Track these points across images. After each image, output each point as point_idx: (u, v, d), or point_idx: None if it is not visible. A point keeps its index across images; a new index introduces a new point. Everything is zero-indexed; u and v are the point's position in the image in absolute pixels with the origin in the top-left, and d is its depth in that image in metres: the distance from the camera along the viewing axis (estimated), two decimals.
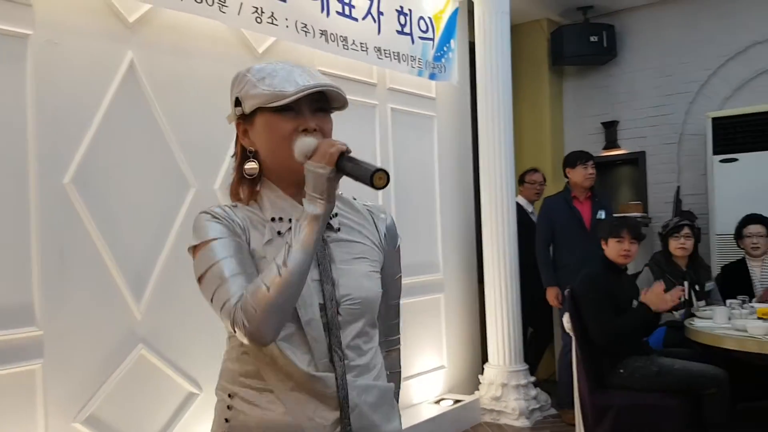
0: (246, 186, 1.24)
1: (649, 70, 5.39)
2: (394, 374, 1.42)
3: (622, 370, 3.23)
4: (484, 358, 4.56)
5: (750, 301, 3.68)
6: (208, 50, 2.98)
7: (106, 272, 2.56)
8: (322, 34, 3.33)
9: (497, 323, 4.32)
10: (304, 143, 1.13)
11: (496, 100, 4.28)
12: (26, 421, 2.33)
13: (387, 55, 3.75)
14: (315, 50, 3.41)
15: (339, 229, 1.24)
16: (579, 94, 5.75)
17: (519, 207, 4.60)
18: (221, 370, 1.26)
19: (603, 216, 4.33)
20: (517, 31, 5.44)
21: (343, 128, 3.77)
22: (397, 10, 3.83)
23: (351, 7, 3.50)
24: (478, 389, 4.43)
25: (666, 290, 3.31)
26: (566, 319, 3.39)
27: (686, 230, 3.92)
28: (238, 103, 1.21)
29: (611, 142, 5.54)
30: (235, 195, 1.25)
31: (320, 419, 1.15)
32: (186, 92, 2.88)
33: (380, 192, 3.89)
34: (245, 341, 1.09)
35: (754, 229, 4.08)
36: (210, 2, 2.77)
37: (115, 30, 2.65)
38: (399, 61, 3.83)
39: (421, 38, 4.01)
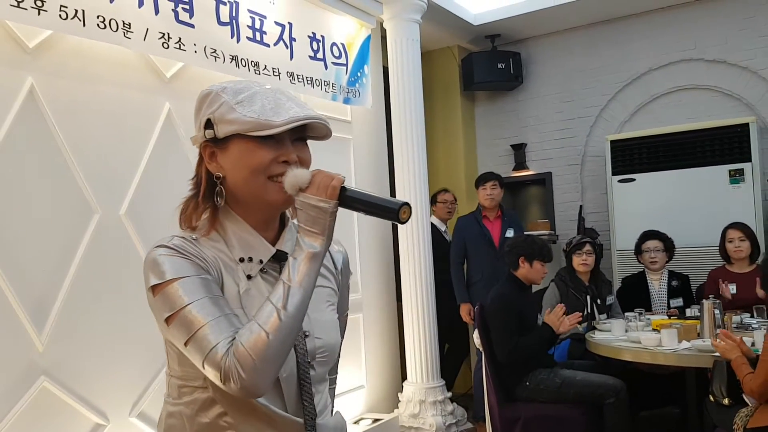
0: (209, 214, 1.12)
1: (554, 95, 5.69)
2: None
3: (528, 383, 3.37)
4: (404, 376, 4.64)
5: (645, 314, 3.92)
6: (114, 75, 2.94)
7: (5, 302, 2.47)
8: (232, 59, 3.35)
9: (415, 340, 4.41)
10: (296, 175, 1.05)
11: (409, 123, 4.41)
12: None
13: (300, 80, 3.81)
14: (226, 75, 3.43)
15: None
16: (490, 118, 5.98)
17: (432, 227, 4.74)
18: (166, 425, 1.13)
19: (511, 234, 4.53)
20: (429, 57, 5.64)
21: None
22: (309, 36, 3.91)
23: (262, 33, 3.55)
24: (397, 407, 4.50)
25: (569, 305, 3.50)
26: (476, 335, 3.51)
27: (588, 247, 4.14)
28: (209, 125, 1.09)
29: (520, 164, 5.78)
30: (187, 223, 1.13)
31: None
32: (90, 118, 2.83)
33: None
34: (236, 393, 0.98)
35: (652, 244, 4.36)
36: (114, 28, 2.75)
37: (14, 55, 2.58)
38: (312, 86, 3.90)
39: (335, 64, 4.09)
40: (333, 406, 1.32)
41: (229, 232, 1.11)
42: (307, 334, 1.11)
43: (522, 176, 5.78)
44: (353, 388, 4.37)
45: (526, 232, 4.85)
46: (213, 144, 1.10)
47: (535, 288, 3.87)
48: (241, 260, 1.09)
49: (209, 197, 1.13)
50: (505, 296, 3.48)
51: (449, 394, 4.51)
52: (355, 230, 4.48)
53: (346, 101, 4.25)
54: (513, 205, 5.88)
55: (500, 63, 5.55)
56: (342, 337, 1.30)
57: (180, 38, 3.03)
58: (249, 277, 1.08)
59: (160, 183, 3.09)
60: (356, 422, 4.26)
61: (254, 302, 1.06)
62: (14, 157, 2.54)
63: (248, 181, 1.08)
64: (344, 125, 4.44)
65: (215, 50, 3.24)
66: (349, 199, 1.04)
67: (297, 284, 1.00)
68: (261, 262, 1.11)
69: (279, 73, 3.67)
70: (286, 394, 1.09)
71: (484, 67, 5.52)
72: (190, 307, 1.00)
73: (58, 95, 2.71)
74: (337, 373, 1.40)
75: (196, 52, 3.13)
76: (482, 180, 4.62)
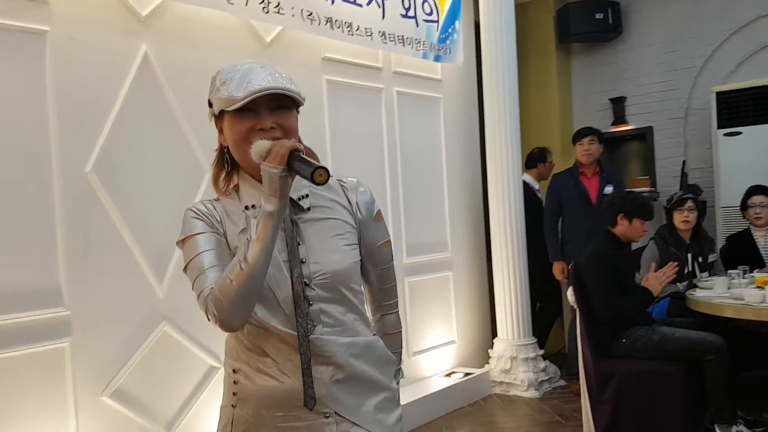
0: (225, 176, 1.35)
1: (655, 46, 5.42)
2: (391, 335, 1.51)
3: (624, 340, 3.33)
4: (494, 333, 4.69)
5: (752, 271, 3.76)
6: (218, 41, 3.09)
7: (129, 255, 2.71)
8: (327, 21, 3.43)
9: (505, 298, 4.44)
10: (258, 146, 1.21)
11: (501, 79, 4.35)
12: (57, 396, 2.50)
13: (392, 39, 3.84)
14: (321, 37, 3.52)
15: (309, 209, 1.31)
16: (586, 71, 5.78)
17: (525, 185, 4.70)
18: (226, 348, 1.37)
19: (610, 191, 4.41)
20: (522, 9, 5.48)
21: (350, 113, 3.90)
22: None
23: None
24: (488, 362, 4.57)
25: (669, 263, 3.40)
26: (570, 293, 3.49)
27: (689, 203, 3.98)
28: (210, 104, 1.31)
29: (619, 118, 5.58)
30: (215, 184, 1.36)
31: (320, 375, 1.26)
32: (198, 81, 2.98)
33: (388, 173, 4.03)
34: (219, 328, 1.21)
35: (758, 199, 4.14)
36: None
37: (129, 24, 2.77)
38: (404, 45, 3.92)
39: (426, 21, 4.09)
40: (395, 333, 1.52)
41: (241, 189, 1.32)
42: (303, 260, 1.27)
43: (621, 131, 5.58)
44: (444, 342, 4.47)
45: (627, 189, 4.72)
46: (217, 119, 1.31)
47: (633, 246, 3.78)
48: (246, 208, 1.29)
49: (224, 164, 1.35)
50: (601, 254, 3.42)
51: (541, 352, 4.52)
52: (444, 189, 4.52)
53: (437, 59, 4.25)
54: (611, 161, 5.69)
55: (598, 13, 5.32)
56: (386, 264, 1.45)
57: (279, 2, 3.13)
58: (254, 218, 1.23)
59: None
60: (448, 375, 4.37)
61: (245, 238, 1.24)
62: (132, 119, 2.75)
63: (236, 148, 1.28)
64: (434, 84, 4.44)
65: (311, 13, 3.32)
66: (293, 165, 1.18)
67: (255, 239, 1.17)
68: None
69: (371, 33, 3.72)
70: (287, 313, 1.25)
71: (581, 18, 5.32)
72: (195, 259, 1.25)
73: (169, 61, 2.88)
74: (392, 299, 1.53)
75: (293, 15, 3.22)
76: (580, 135, 4.50)
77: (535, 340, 4.51)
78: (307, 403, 1.26)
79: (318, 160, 1.22)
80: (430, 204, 4.42)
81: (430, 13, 4.13)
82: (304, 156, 1.19)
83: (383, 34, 3.78)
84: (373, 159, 3.99)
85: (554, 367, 4.58)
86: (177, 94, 2.90)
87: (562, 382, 4.54)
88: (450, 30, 4.29)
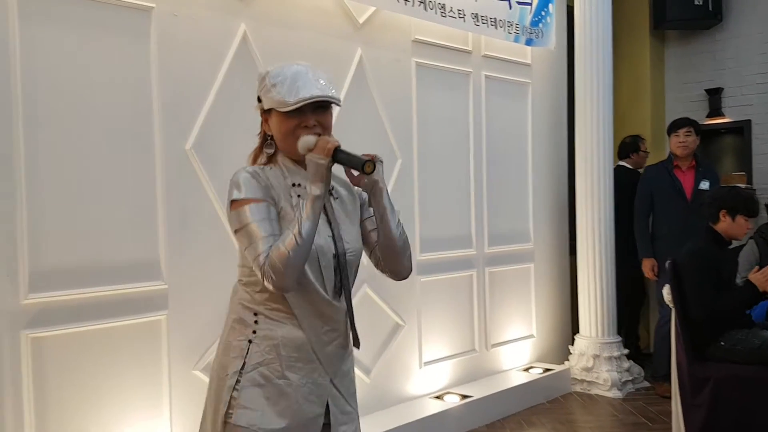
0: (264, 155, 1.57)
1: (757, 35, 5.10)
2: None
3: (723, 342, 3.16)
4: (574, 329, 4.54)
5: None
6: (312, 22, 3.08)
7: (225, 231, 2.74)
8: (420, 2, 3.36)
9: (590, 293, 4.29)
10: (305, 141, 1.45)
11: (595, 65, 4.18)
12: (153, 366, 2.56)
13: (484, 21, 3.74)
14: (412, 19, 3.46)
15: (337, 198, 1.60)
16: (681, 59, 5.51)
17: (629, 171, 4.53)
18: (239, 296, 1.56)
19: (707, 187, 4.19)
20: None
21: (437, 97, 3.83)
22: None
23: None
24: (567, 359, 4.43)
25: None
26: (666, 291, 3.33)
27: None
28: (259, 100, 1.54)
29: (715, 110, 5.30)
30: (254, 159, 1.59)
31: (325, 336, 1.53)
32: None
33: (472, 160, 3.94)
34: (272, 288, 1.43)
35: None
36: None
37: (230, 3, 2.79)
38: (496, 27, 3.81)
39: (519, 3, 3.97)
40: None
41: (281, 165, 1.54)
42: (340, 238, 1.53)
43: (717, 124, 5.30)
44: (523, 336, 4.37)
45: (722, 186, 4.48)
46: (264, 112, 1.55)
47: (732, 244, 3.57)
48: (292, 185, 1.52)
49: (263, 147, 1.58)
50: (702, 251, 3.24)
51: (626, 351, 4.36)
52: (529, 178, 4.40)
53: (529, 42, 4.12)
54: (705, 155, 5.42)
55: None
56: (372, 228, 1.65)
57: None
58: (299, 196, 1.49)
59: (350, 128, 3.22)
60: (526, 369, 4.27)
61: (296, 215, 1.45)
62: (231, 99, 2.76)
63: (282, 141, 1.52)
64: (523, 68, 4.31)
65: None
66: (338, 157, 1.42)
67: (305, 217, 1.41)
68: (304, 187, 1.50)
69: (464, 15, 3.63)
70: (326, 278, 1.50)
71: (679, 4, 5.07)
72: (251, 226, 1.44)
73: (266, 41, 2.89)
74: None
75: None
76: (675, 126, 4.28)
77: (620, 338, 4.34)
78: (354, 342, 1.60)
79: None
80: (514, 193, 4.30)
81: None
82: (346, 150, 1.42)
83: (476, 16, 3.68)
84: (458, 145, 3.91)
85: (638, 367, 4.41)
86: None
87: (646, 384, 4.37)
88: (543, 13, 4.15)
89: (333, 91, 1.50)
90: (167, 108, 2.59)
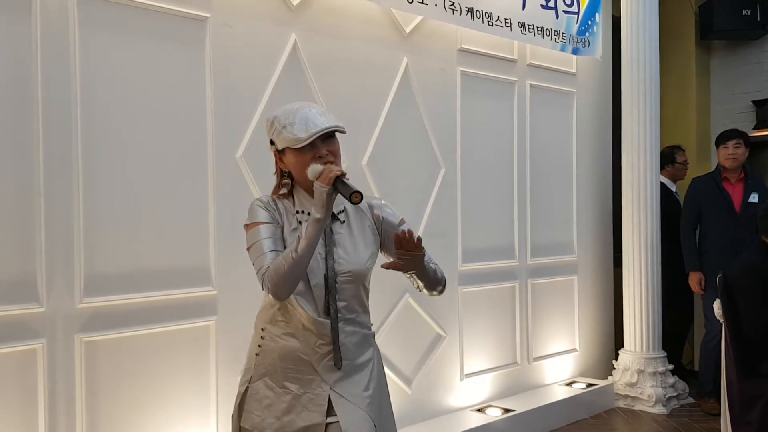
0: (284, 188, 1.74)
1: None
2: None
3: None
4: (618, 343, 4.46)
5: None
6: (360, 31, 3.09)
7: None
8: (468, 11, 3.35)
9: (635, 308, 4.20)
10: (313, 169, 1.59)
11: (642, 75, 4.12)
12: (201, 372, 2.58)
13: (531, 30, 3.71)
14: (458, 28, 3.45)
15: (344, 222, 1.72)
16: (728, 70, 5.39)
17: (663, 186, 4.43)
18: (259, 313, 1.76)
19: (756, 200, 4.08)
20: (663, 3, 5.17)
21: (482, 106, 3.81)
22: None
23: None
24: (611, 374, 4.35)
25: None
26: (717, 306, 3.24)
27: None
28: (272, 142, 1.70)
29: (763, 122, 5.16)
30: (275, 193, 1.75)
31: (319, 349, 1.66)
32: (339, 72, 3.01)
33: (516, 169, 3.90)
34: (270, 297, 1.64)
35: None
36: None
37: (281, 13, 2.81)
38: (543, 36, 3.78)
39: (566, 12, 3.93)
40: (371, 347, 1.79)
41: (296, 196, 1.71)
42: (335, 260, 1.67)
43: (764, 136, 5.16)
44: (565, 350, 4.30)
45: None
46: (278, 152, 1.71)
47: None
48: (298, 212, 1.69)
49: (281, 183, 1.74)
50: (756, 266, 3.15)
51: (671, 367, 4.26)
52: (573, 189, 4.35)
53: (575, 51, 4.08)
54: (752, 167, 5.29)
55: (745, 9, 4.94)
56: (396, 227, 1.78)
57: None
58: (300, 222, 1.67)
59: (395, 137, 3.22)
60: (568, 384, 4.20)
61: (296, 236, 1.63)
62: (280, 105, 2.77)
63: (298, 174, 1.67)
64: (568, 78, 4.27)
65: (453, 2, 3.26)
66: (336, 186, 1.56)
67: (304, 237, 1.57)
68: (308, 214, 1.65)
69: (510, 24, 3.60)
70: (316, 297, 1.66)
71: (726, 14, 4.96)
72: (258, 243, 1.64)
73: (315, 50, 2.91)
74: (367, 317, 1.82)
75: (436, 5, 3.18)
76: (724, 138, 4.19)
77: (665, 353, 4.24)
78: (336, 363, 1.67)
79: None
80: (558, 204, 4.25)
81: (571, 5, 3.96)
82: (346, 180, 1.57)
83: (522, 24, 3.66)
84: (502, 154, 3.88)
85: (683, 383, 4.30)
86: (321, 85, 2.92)
87: (691, 400, 4.26)
88: (590, 22, 4.11)
89: (335, 120, 1.67)
90: (219, 116, 2.62)
